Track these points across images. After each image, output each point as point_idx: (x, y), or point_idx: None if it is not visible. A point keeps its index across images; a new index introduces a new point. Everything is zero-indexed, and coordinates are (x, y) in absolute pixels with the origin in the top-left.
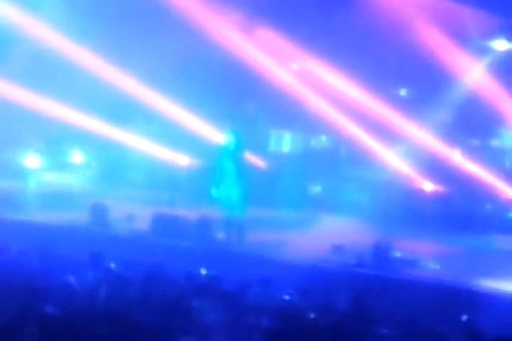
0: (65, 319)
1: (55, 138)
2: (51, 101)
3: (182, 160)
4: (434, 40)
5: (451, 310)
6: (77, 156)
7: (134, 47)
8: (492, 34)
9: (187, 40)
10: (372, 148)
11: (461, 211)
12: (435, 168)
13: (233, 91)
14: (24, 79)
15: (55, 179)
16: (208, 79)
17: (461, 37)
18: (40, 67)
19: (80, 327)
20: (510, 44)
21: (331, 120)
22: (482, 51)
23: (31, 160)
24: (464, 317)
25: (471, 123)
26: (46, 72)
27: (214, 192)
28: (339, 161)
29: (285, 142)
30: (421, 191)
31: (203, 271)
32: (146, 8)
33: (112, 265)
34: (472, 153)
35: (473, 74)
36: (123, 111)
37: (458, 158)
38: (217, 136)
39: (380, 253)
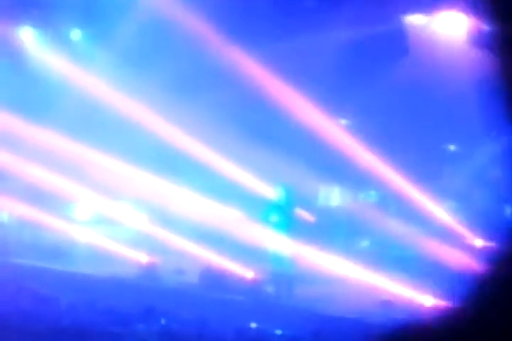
0: None
1: (106, 191)
2: (99, 152)
3: (231, 213)
4: (482, 96)
5: None
6: (125, 209)
7: (185, 100)
8: None
9: (237, 93)
10: (422, 203)
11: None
12: (486, 223)
13: (283, 145)
14: (72, 130)
15: (104, 231)
16: (257, 134)
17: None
18: (91, 119)
19: None
20: None
21: (380, 174)
22: None
23: (81, 213)
24: None
25: None
26: (96, 124)
27: None
28: (388, 216)
29: (334, 196)
30: (471, 247)
31: (253, 325)
32: (196, 63)
33: (163, 319)
34: None
35: None
36: (171, 163)
37: (509, 213)
38: (268, 191)
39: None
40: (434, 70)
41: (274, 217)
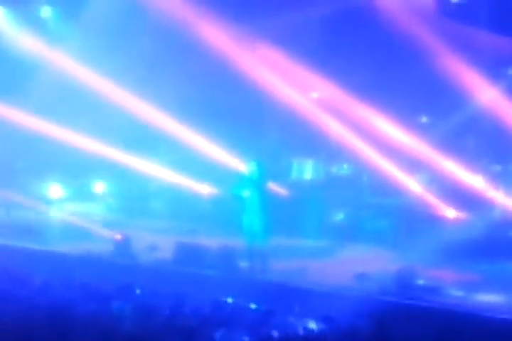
0: None
1: (78, 168)
2: (73, 131)
3: (204, 189)
4: (453, 66)
5: (475, 337)
6: (99, 186)
7: (155, 77)
8: (509, 60)
9: (208, 68)
10: (395, 175)
11: (483, 237)
12: (458, 194)
13: (255, 120)
14: (46, 110)
15: (77, 209)
16: (230, 108)
17: (479, 63)
18: (61, 97)
19: None
20: None
21: (353, 148)
22: (499, 77)
23: (54, 190)
24: None
25: (492, 149)
26: (68, 103)
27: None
28: (361, 188)
29: (307, 170)
30: (443, 218)
31: (229, 300)
32: (166, 39)
33: (138, 293)
34: (494, 178)
35: (491, 100)
36: (145, 140)
37: (480, 184)
38: (240, 165)
39: (403, 280)
40: (404, 41)
41: (247, 192)
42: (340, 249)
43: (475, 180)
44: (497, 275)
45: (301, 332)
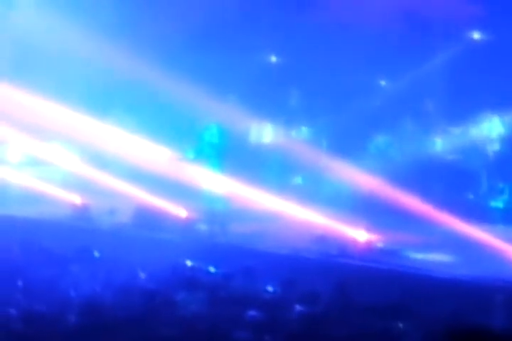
0: (49, 314)
1: (36, 132)
2: (28, 91)
3: (164, 152)
4: (408, 28)
5: (435, 299)
6: (57, 150)
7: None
8: (465, 23)
9: (170, 24)
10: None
11: (443, 201)
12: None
13: (214, 83)
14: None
15: (35, 173)
16: (189, 71)
17: (435, 25)
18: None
19: (60, 321)
20: (481, 33)
21: (311, 110)
22: (455, 40)
23: (12, 155)
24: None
25: (451, 112)
26: (20, 62)
27: None
28: (320, 152)
29: (266, 134)
30: None
31: (189, 263)
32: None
33: (98, 260)
34: (453, 141)
35: (448, 63)
36: (102, 100)
37: (439, 147)
38: (200, 129)
39: (362, 243)
40: (364, 8)
41: (208, 156)
42: (300, 212)
43: (434, 143)
44: (456, 238)
45: (261, 295)
